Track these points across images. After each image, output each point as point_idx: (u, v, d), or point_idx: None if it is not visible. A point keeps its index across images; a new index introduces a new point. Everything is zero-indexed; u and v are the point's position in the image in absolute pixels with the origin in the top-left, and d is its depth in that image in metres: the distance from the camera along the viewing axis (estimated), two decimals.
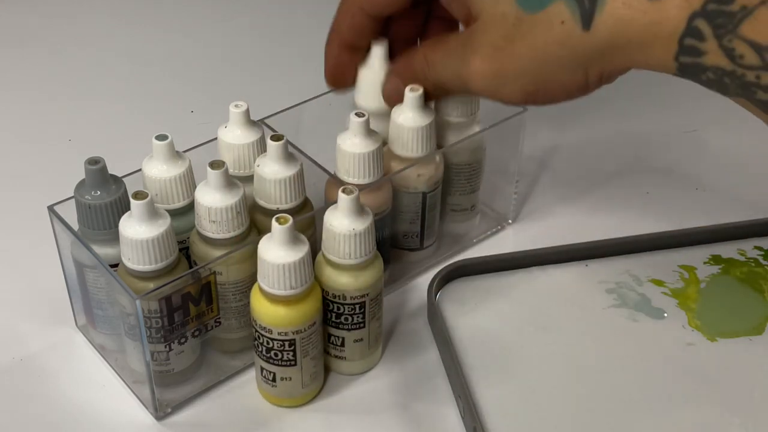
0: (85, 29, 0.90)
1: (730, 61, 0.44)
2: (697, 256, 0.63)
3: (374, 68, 0.59)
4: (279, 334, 0.51)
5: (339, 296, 0.53)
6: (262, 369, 0.53)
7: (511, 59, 0.49)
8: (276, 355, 0.52)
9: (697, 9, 0.44)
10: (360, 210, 0.51)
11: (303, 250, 0.49)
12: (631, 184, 0.72)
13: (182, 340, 0.52)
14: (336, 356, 0.55)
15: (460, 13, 0.54)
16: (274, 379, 0.53)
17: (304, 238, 0.50)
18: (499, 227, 0.67)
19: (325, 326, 0.54)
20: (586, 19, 0.46)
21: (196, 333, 0.53)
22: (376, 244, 0.53)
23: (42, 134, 0.76)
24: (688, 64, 0.45)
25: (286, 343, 0.51)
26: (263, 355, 0.52)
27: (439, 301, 0.60)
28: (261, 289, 0.50)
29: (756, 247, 0.64)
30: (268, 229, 0.49)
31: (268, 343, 0.51)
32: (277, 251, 0.49)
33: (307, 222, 0.55)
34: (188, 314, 0.51)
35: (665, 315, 0.59)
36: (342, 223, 0.51)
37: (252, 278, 0.52)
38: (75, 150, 0.74)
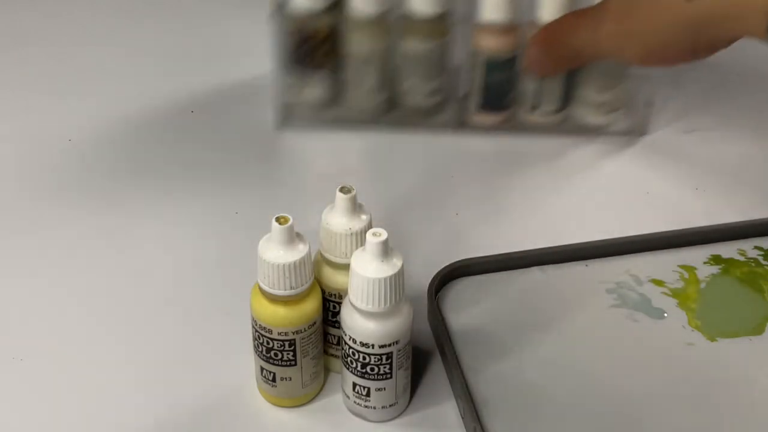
0: (85, 29, 0.90)
1: None
2: (697, 256, 0.63)
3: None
4: (279, 334, 0.51)
5: (336, 295, 0.53)
6: (262, 369, 0.53)
7: (634, 22, 0.58)
8: (276, 355, 0.52)
9: None
10: (357, 209, 0.51)
11: (303, 250, 0.49)
12: (631, 184, 0.72)
13: None
14: (335, 356, 0.55)
15: None
16: (274, 379, 0.53)
17: (304, 237, 0.50)
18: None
19: (324, 325, 0.54)
20: None
21: None
22: None
23: (42, 134, 0.76)
24: None
25: (286, 343, 0.51)
26: (263, 355, 0.52)
27: (439, 301, 0.60)
28: (261, 289, 0.50)
29: (756, 247, 0.64)
30: None
31: (268, 343, 0.51)
32: (276, 251, 0.49)
33: None
34: None
35: (665, 315, 0.59)
36: (339, 222, 0.51)
37: None
38: (75, 150, 0.74)
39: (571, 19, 0.64)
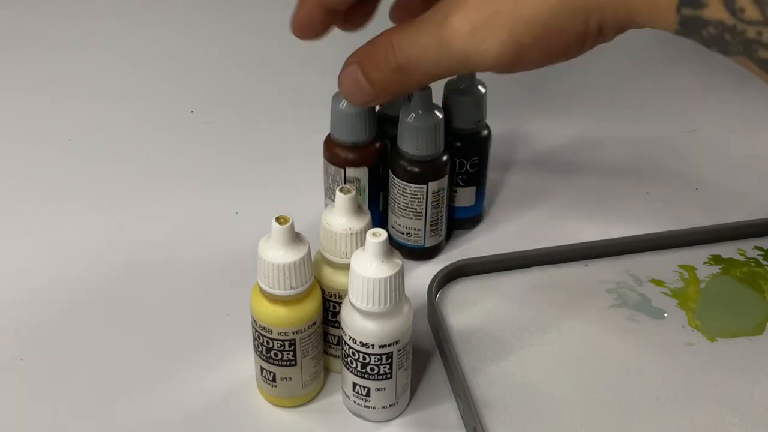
0: (85, 29, 0.90)
1: (731, 15, 0.42)
2: (697, 256, 0.63)
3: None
4: (279, 334, 0.51)
5: (336, 295, 0.53)
6: (262, 369, 0.53)
7: (505, 4, 0.45)
8: (276, 355, 0.52)
9: None
10: (357, 209, 0.51)
11: (303, 250, 0.49)
12: (631, 184, 0.72)
13: None
14: (335, 356, 0.55)
15: None
16: (274, 379, 0.53)
17: (304, 237, 0.50)
18: None
19: (324, 325, 0.54)
20: None
21: None
22: None
23: (42, 134, 0.76)
24: (688, 18, 0.43)
25: (286, 343, 0.51)
26: (263, 355, 0.52)
27: (439, 301, 0.60)
28: (261, 289, 0.50)
29: (756, 247, 0.64)
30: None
31: (268, 343, 0.51)
32: (276, 251, 0.49)
33: None
34: None
35: (665, 315, 0.59)
36: (339, 222, 0.51)
37: None
38: (75, 150, 0.74)
39: (391, 33, 0.49)
